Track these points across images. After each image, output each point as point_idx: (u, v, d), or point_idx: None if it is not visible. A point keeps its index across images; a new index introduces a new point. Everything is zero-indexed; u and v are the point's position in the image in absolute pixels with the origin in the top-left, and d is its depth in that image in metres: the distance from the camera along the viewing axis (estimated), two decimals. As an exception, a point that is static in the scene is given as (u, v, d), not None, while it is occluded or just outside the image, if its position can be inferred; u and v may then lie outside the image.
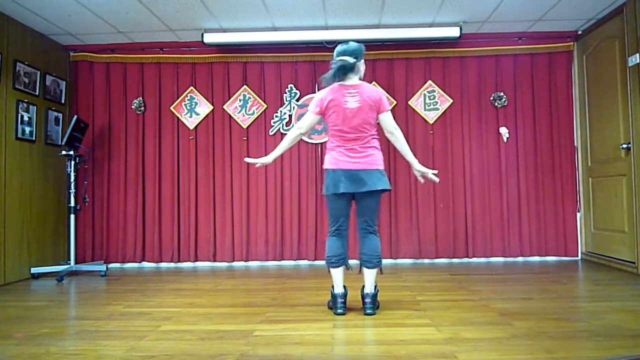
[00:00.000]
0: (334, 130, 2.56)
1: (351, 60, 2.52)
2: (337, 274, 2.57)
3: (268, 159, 2.66)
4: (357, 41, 2.63)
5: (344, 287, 2.59)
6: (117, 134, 4.60)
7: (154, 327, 2.40)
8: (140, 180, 4.57)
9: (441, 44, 4.49)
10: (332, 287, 2.61)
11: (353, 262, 2.71)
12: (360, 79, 2.60)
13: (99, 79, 4.62)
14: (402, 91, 4.56)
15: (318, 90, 4.47)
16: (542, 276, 3.65)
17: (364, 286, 2.60)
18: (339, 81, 2.55)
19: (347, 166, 2.50)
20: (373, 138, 2.57)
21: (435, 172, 2.64)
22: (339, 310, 2.54)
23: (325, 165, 2.59)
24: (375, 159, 2.54)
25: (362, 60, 2.61)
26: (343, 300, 2.55)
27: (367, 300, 2.55)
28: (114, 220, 4.56)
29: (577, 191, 4.47)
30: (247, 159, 2.79)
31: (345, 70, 2.51)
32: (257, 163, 2.65)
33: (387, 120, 2.57)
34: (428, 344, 2.04)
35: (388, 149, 4.49)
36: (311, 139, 4.52)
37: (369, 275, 2.56)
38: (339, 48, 2.59)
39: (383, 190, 2.54)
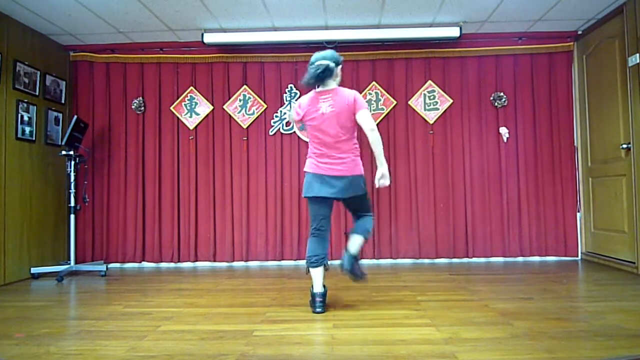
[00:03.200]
0: (312, 136, 2.68)
1: (331, 64, 2.59)
2: (316, 273, 2.63)
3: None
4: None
5: (323, 286, 2.66)
6: (117, 134, 4.60)
7: (154, 327, 2.40)
8: (140, 180, 4.57)
9: (441, 44, 4.49)
10: (312, 286, 2.66)
11: (333, 262, 2.76)
12: (337, 85, 2.67)
13: (99, 79, 4.62)
14: (402, 91, 4.56)
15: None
16: (542, 276, 3.65)
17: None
18: (318, 85, 2.62)
19: (321, 172, 2.61)
20: (351, 143, 2.64)
21: (387, 184, 2.69)
22: (318, 309, 2.60)
23: (305, 168, 2.72)
24: (351, 166, 2.61)
25: (340, 67, 2.69)
26: (321, 299, 2.62)
27: (346, 255, 2.64)
28: (114, 220, 4.56)
29: (577, 191, 4.47)
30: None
31: (326, 73, 2.57)
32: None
33: (363, 119, 2.59)
34: (428, 344, 2.04)
35: (388, 148, 4.52)
36: (311, 139, 4.51)
37: (353, 239, 2.68)
38: (316, 55, 2.67)
39: (359, 194, 2.65)
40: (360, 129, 2.65)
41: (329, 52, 2.66)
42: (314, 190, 2.61)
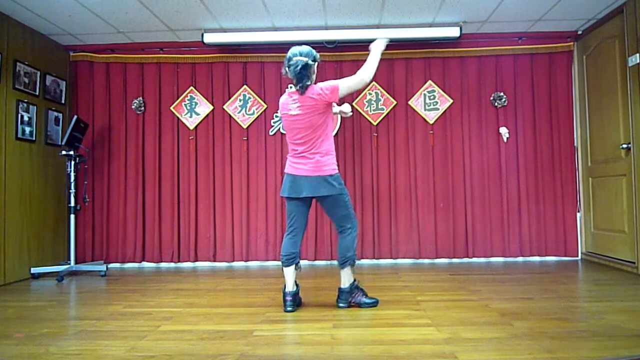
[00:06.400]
0: (286, 137, 2.75)
1: (310, 61, 2.59)
2: (287, 272, 2.70)
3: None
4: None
5: (296, 284, 2.72)
6: (117, 134, 4.60)
7: (154, 327, 2.40)
8: (140, 180, 4.56)
9: (441, 44, 4.49)
10: (284, 285, 2.72)
11: (304, 262, 2.83)
12: (311, 83, 2.62)
13: (99, 79, 4.62)
14: (402, 91, 4.56)
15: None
16: (542, 276, 3.65)
17: None
18: (299, 82, 2.57)
19: (293, 172, 2.66)
20: (322, 142, 2.61)
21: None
22: (288, 309, 2.65)
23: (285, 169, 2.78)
24: (320, 166, 2.58)
25: (317, 64, 2.67)
26: (291, 298, 2.66)
27: (340, 294, 2.74)
28: (114, 220, 4.56)
29: (577, 191, 4.47)
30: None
31: (305, 71, 2.55)
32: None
33: (347, 87, 2.58)
34: (428, 344, 2.04)
35: (388, 148, 4.52)
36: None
37: (343, 273, 2.74)
38: (292, 50, 2.64)
39: (332, 195, 2.60)
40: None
41: (305, 49, 2.63)
42: (285, 190, 2.67)
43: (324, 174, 2.58)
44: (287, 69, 2.63)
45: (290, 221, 2.72)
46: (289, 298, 2.65)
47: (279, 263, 4.47)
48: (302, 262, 4.45)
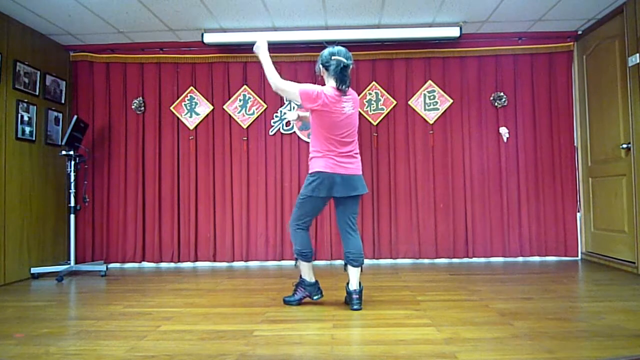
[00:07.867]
0: (329, 135, 2.61)
1: (350, 64, 2.66)
2: (311, 266, 2.78)
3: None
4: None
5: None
6: (117, 134, 4.60)
7: (154, 327, 2.40)
8: (140, 180, 4.56)
9: (441, 44, 4.49)
10: (303, 279, 2.78)
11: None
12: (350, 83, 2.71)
13: (99, 79, 4.62)
14: (402, 91, 4.56)
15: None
16: (542, 276, 3.65)
17: (349, 283, 2.72)
18: (344, 82, 2.61)
19: (343, 171, 2.61)
20: (357, 141, 2.75)
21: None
22: (320, 295, 2.78)
23: (318, 169, 2.61)
24: (360, 165, 2.73)
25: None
26: (319, 286, 2.80)
27: (355, 296, 2.66)
28: (114, 220, 4.56)
29: (577, 191, 4.47)
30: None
31: (348, 72, 2.64)
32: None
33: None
34: (428, 344, 2.04)
35: (388, 148, 4.52)
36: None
37: (356, 273, 2.69)
38: (330, 49, 2.68)
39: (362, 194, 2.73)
40: None
41: (342, 49, 2.66)
42: (335, 191, 2.59)
43: (361, 173, 2.71)
44: (322, 66, 2.67)
45: (309, 218, 2.73)
46: (318, 286, 2.78)
47: (279, 263, 4.49)
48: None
